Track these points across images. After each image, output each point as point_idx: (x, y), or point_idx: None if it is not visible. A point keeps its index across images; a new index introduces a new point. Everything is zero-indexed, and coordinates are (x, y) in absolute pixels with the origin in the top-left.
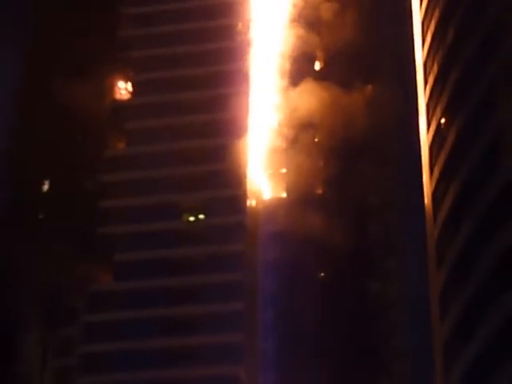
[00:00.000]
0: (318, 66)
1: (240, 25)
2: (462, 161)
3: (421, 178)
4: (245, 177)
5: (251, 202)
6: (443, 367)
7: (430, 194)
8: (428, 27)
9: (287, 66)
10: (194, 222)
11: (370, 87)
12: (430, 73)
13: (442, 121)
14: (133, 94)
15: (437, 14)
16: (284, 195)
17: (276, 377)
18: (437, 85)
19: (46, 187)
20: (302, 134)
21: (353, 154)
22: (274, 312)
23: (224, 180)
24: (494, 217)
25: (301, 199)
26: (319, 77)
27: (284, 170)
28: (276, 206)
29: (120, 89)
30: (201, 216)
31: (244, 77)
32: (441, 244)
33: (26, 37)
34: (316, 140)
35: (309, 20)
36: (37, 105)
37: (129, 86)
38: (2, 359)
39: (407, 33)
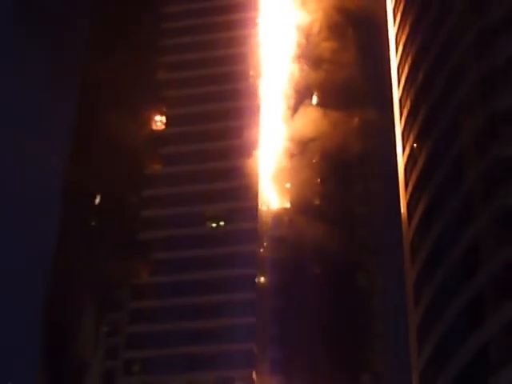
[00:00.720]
0: (315, 98)
1: (252, 70)
2: (430, 178)
3: (398, 191)
4: (257, 191)
5: (262, 211)
6: (417, 344)
7: (405, 204)
8: (402, 71)
9: (290, 99)
10: (216, 227)
11: (357, 119)
12: (404, 107)
13: (414, 146)
14: (166, 125)
15: (409, 61)
16: (288, 205)
17: (281, 348)
18: (409, 117)
19: (97, 200)
20: (302, 156)
21: (344, 171)
22: (279, 298)
23: (240, 194)
24: (457, 222)
25: (302, 209)
26: (316, 108)
27: (288, 185)
28: (282, 215)
29: (156, 121)
30: (221, 223)
31: (255, 110)
32: (414, 245)
33: (82, 81)
34: (314, 161)
35: (309, 59)
36: (90, 135)
37: (163, 119)
38: (64, 339)
39: (387, 75)
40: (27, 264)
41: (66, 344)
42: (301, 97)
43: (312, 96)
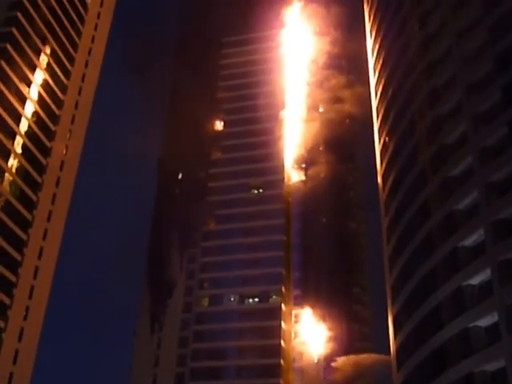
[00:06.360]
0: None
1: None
2: (396, 159)
3: (376, 167)
4: (283, 169)
5: (286, 182)
6: (389, 266)
7: (381, 176)
8: (378, 87)
9: (304, 109)
10: (257, 193)
11: (348, 120)
12: (379, 112)
13: (386, 138)
14: (224, 127)
15: (382, 75)
16: (304, 178)
17: (300, 271)
18: (384, 118)
19: (180, 176)
20: (313, 145)
21: (340, 154)
22: (299, 238)
23: (272, 171)
24: (413, 189)
25: (313, 180)
26: (322, 115)
27: (304, 165)
28: (299, 184)
29: (218, 125)
30: (260, 190)
31: (282, 119)
32: (387, 203)
33: (171, 99)
34: (320, 149)
35: (316, 83)
36: (176, 134)
37: (222, 123)
38: (160, 264)
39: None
40: (136, 214)
41: (161, 268)
42: (311, 107)
43: (318, 107)
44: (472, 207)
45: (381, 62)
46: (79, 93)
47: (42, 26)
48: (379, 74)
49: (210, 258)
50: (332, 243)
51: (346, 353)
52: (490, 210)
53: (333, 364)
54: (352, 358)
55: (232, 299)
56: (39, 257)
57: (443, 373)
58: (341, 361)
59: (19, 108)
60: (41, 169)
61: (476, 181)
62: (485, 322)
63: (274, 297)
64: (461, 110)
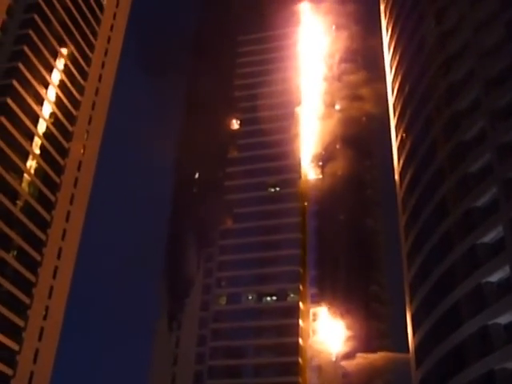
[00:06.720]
0: (338, 106)
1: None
2: (414, 157)
3: (393, 164)
4: (299, 168)
5: (303, 180)
6: (407, 264)
7: (398, 173)
8: (395, 84)
9: (321, 106)
10: (273, 192)
11: (364, 118)
12: (396, 108)
13: (403, 135)
14: (240, 126)
15: (399, 69)
16: (321, 176)
17: (317, 269)
18: (400, 115)
19: (197, 175)
20: (329, 143)
21: (356, 151)
22: (316, 236)
23: (289, 170)
24: (431, 186)
25: (329, 178)
26: (339, 113)
27: (321, 163)
28: (315, 182)
29: (234, 123)
30: (277, 188)
31: (297, 116)
32: (404, 200)
33: (188, 100)
34: (337, 147)
35: (333, 79)
36: (192, 134)
37: (239, 122)
38: (178, 263)
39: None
40: (154, 214)
41: (179, 267)
42: (327, 105)
43: (335, 105)
44: (491, 204)
45: (397, 58)
46: (96, 93)
47: (59, 28)
48: (396, 70)
49: (227, 256)
50: (349, 241)
51: (364, 351)
52: (509, 206)
53: (342, 369)
54: (363, 356)
55: (250, 297)
56: (58, 257)
57: (463, 370)
58: (349, 363)
59: (37, 109)
60: (59, 169)
61: (495, 177)
62: (504, 319)
63: (291, 295)
64: (479, 106)
